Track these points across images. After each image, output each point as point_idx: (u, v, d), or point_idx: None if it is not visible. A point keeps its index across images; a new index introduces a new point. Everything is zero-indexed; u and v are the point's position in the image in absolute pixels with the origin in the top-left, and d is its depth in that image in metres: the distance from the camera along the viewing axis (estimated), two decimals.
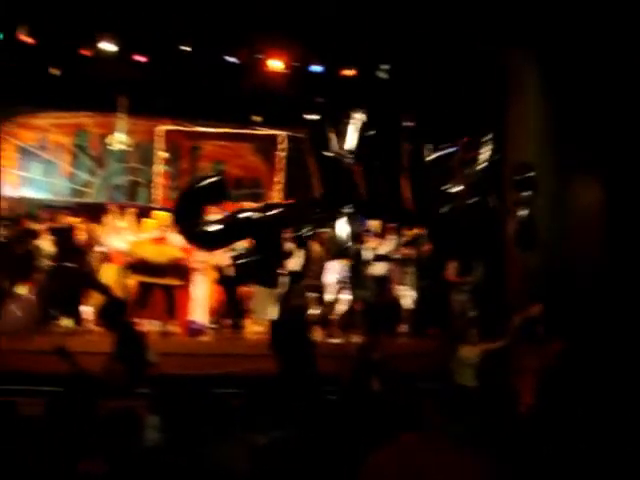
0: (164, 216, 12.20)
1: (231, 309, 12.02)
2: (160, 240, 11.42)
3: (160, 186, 16.97)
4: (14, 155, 16.19)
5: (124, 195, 16.88)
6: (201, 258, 11.67)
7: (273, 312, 11.39)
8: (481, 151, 12.43)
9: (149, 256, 11.20)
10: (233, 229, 10.34)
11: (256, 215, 10.56)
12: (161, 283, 11.33)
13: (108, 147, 16.14)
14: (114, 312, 8.50)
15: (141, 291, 11.26)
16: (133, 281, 11.56)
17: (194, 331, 10.93)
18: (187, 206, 10.12)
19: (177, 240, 11.71)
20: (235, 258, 11.64)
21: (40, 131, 16.40)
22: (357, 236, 12.20)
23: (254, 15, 12.36)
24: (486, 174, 12.40)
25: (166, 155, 16.86)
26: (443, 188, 12.80)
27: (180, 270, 11.41)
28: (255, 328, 11.80)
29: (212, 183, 10.48)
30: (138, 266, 11.30)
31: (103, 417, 4.06)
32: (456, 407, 3.74)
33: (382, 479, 3.35)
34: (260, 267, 11.38)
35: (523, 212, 10.71)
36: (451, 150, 13.26)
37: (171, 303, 11.35)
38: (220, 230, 10.08)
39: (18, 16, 12.70)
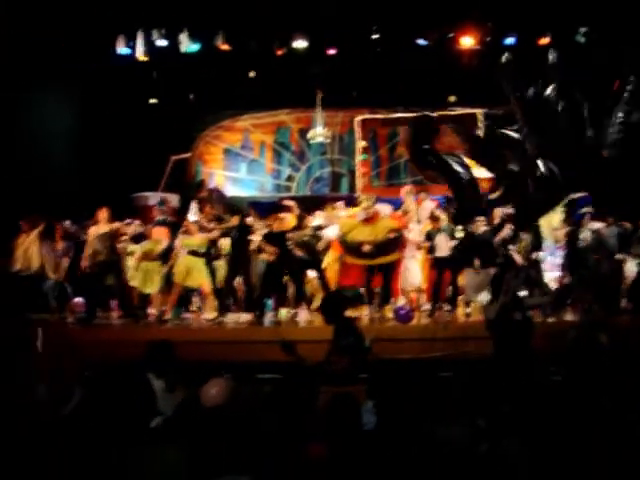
0: (369, 200, 12.02)
1: (439, 292, 11.86)
2: (371, 219, 11.23)
3: (361, 175, 17.14)
4: (220, 157, 17.01)
5: (327, 187, 17.19)
6: (414, 235, 11.42)
7: (486, 293, 11.19)
8: None
9: (365, 238, 11.04)
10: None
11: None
12: (383, 263, 11.17)
13: (308, 141, 16.49)
14: (333, 305, 8.70)
15: (364, 275, 11.20)
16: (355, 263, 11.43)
17: (402, 317, 10.84)
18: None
19: (386, 210, 11.58)
20: (456, 245, 11.51)
21: (243, 132, 17.12)
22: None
23: None
24: None
25: (364, 144, 16.98)
26: None
27: (398, 242, 11.20)
28: (466, 310, 11.62)
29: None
30: (356, 251, 11.19)
31: (324, 403, 4.12)
32: None
33: None
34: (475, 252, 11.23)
35: None
36: None
37: (387, 286, 11.27)
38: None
39: (214, 26, 13.28)
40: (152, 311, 11.17)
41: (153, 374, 5.21)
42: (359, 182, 17.06)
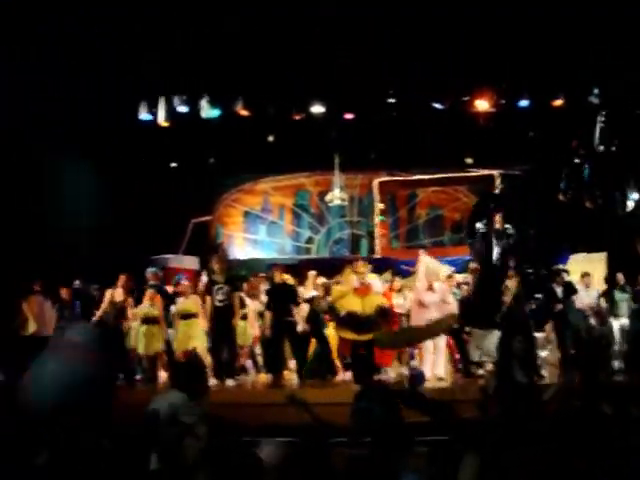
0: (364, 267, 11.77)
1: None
2: (363, 291, 11.00)
3: (380, 236, 17.27)
4: (240, 220, 17.24)
5: (346, 248, 17.32)
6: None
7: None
8: None
9: (353, 308, 10.73)
10: None
11: None
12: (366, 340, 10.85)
13: (327, 204, 16.67)
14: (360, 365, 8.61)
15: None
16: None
17: (415, 378, 10.57)
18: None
19: (378, 286, 11.49)
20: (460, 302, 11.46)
21: (262, 195, 17.38)
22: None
23: (454, 57, 12.41)
24: None
25: (382, 206, 17.16)
26: None
27: (385, 319, 10.96)
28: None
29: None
30: (346, 321, 10.89)
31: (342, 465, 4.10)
32: None
33: None
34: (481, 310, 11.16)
35: None
36: None
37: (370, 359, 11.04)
38: None
39: (234, 92, 13.60)
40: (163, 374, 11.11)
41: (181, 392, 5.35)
42: (378, 244, 17.20)
